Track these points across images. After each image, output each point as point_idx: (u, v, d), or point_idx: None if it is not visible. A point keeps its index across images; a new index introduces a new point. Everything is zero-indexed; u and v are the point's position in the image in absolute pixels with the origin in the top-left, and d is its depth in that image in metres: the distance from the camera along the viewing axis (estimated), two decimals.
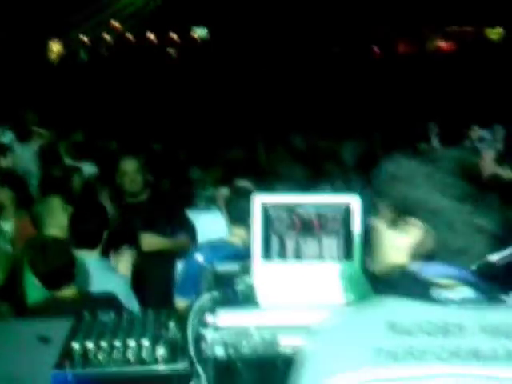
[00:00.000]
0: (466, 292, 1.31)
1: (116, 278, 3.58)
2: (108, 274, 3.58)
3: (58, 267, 3.06)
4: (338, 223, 2.14)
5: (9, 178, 5.58)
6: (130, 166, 4.62)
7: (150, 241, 4.24)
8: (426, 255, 1.36)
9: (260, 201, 2.13)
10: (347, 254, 2.15)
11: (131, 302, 3.44)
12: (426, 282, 1.32)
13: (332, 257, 2.16)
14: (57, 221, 4.06)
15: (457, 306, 1.30)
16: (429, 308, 1.30)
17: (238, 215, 3.51)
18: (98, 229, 3.57)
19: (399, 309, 1.31)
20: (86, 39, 21.45)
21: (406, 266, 1.38)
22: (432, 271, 1.34)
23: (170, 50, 21.68)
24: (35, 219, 4.30)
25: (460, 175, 1.36)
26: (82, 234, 3.56)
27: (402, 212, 1.39)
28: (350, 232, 2.15)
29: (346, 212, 2.14)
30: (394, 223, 1.42)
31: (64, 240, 3.39)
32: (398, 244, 1.40)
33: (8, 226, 5.07)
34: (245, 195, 3.46)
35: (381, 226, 1.44)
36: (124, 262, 3.77)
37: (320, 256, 2.15)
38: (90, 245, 3.55)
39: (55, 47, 21.07)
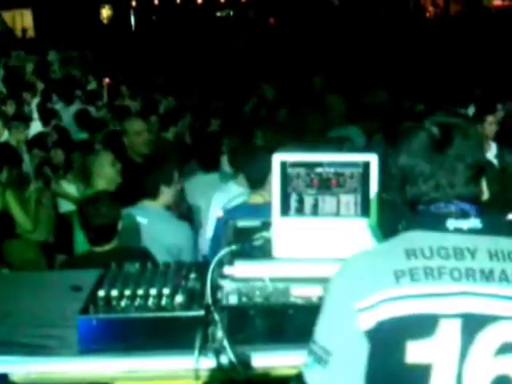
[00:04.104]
0: (477, 222, 1.46)
1: (183, 228, 3.80)
2: (175, 223, 3.83)
3: (102, 226, 3.21)
4: (355, 181, 2.18)
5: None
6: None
7: None
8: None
9: (279, 159, 2.19)
10: (364, 210, 2.20)
11: (194, 252, 3.65)
12: (442, 214, 1.47)
13: (349, 213, 2.21)
14: (105, 174, 4.28)
15: (468, 234, 1.44)
16: (442, 236, 1.45)
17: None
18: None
19: (415, 238, 1.46)
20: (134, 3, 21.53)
21: None
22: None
23: (218, 13, 21.59)
24: (85, 170, 4.56)
25: None
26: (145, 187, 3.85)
27: None
28: (367, 189, 2.19)
29: (365, 170, 2.19)
30: None
31: (111, 200, 3.53)
32: None
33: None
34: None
35: None
36: None
37: (337, 212, 2.21)
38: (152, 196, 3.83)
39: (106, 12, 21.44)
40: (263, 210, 2.49)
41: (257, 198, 3.60)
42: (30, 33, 20.90)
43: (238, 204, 3.61)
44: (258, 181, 3.61)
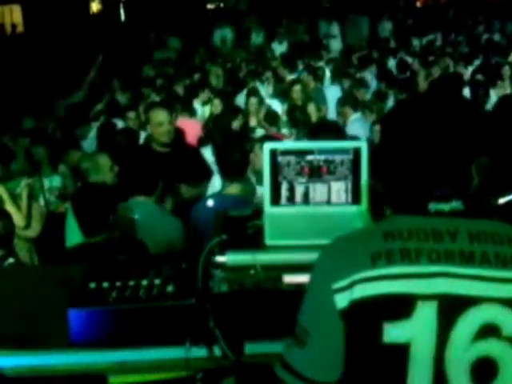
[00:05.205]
0: (459, 204, 1.46)
1: (173, 222, 3.79)
2: (167, 219, 3.83)
3: (96, 216, 3.21)
4: (346, 168, 2.17)
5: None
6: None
7: (188, 190, 4.43)
8: None
9: (269, 147, 2.18)
10: (355, 198, 2.19)
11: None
12: (425, 198, 1.46)
13: (340, 201, 2.20)
14: (103, 178, 4.22)
15: (449, 216, 1.44)
16: (423, 219, 1.45)
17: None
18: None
19: (396, 221, 1.47)
20: None
21: None
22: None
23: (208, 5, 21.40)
24: (82, 174, 4.48)
25: None
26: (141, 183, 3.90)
27: None
28: (358, 177, 2.18)
29: (355, 156, 2.18)
30: None
31: (106, 191, 3.52)
32: None
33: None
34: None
35: None
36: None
37: (328, 200, 2.20)
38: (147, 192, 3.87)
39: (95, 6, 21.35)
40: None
41: (232, 190, 3.57)
42: (20, 29, 20.79)
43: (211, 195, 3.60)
44: (234, 171, 3.59)
